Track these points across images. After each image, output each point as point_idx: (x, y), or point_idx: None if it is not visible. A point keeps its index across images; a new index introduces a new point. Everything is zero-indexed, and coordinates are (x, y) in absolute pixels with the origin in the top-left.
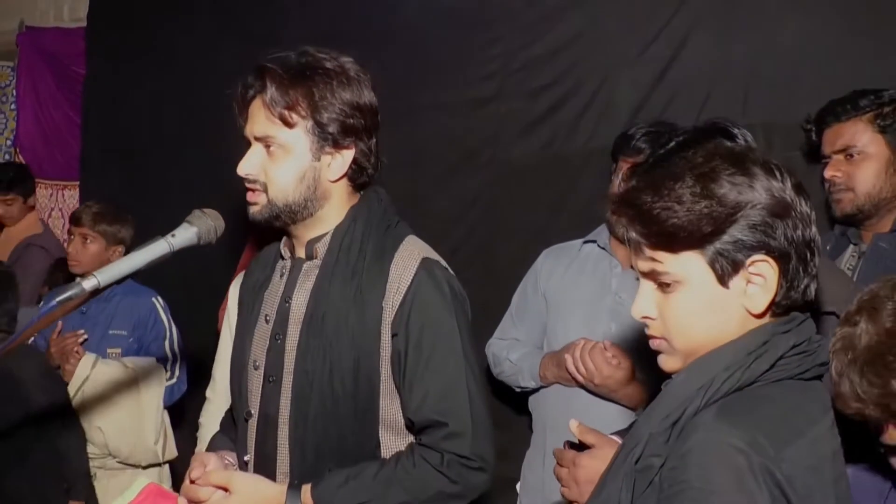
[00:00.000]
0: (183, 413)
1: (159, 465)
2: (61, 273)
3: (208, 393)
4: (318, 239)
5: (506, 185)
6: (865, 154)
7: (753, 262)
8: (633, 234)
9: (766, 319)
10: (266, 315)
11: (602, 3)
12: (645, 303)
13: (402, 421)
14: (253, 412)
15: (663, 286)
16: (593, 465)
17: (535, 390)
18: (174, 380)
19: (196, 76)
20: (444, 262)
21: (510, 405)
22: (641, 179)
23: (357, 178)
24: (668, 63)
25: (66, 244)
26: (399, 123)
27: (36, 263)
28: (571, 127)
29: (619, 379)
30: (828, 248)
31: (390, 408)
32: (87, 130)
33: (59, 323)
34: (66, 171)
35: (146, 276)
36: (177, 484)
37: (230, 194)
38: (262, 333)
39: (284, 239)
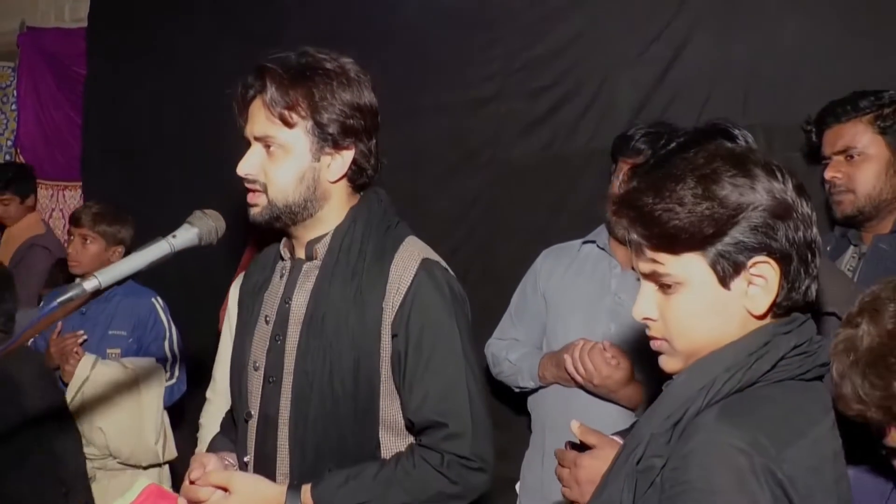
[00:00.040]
0: (182, 413)
1: (159, 465)
2: (61, 273)
3: (209, 394)
4: (318, 240)
5: (506, 185)
6: (866, 155)
7: (755, 263)
8: (635, 236)
9: (767, 320)
10: (266, 316)
11: (602, 4)
12: (646, 304)
13: (402, 422)
14: (253, 413)
15: (664, 287)
16: (594, 466)
17: (534, 390)
18: (174, 380)
19: (196, 76)
20: (444, 263)
21: (509, 405)
22: (642, 181)
23: (357, 178)
24: (668, 64)
25: (66, 245)
26: (399, 124)
27: (39, 264)
28: (572, 127)
29: (619, 379)
30: (828, 249)
31: (390, 408)
32: (88, 131)
33: (59, 323)
34: (67, 171)
35: (146, 277)
36: (177, 484)
37: (230, 194)
38: (262, 334)
39: (284, 240)
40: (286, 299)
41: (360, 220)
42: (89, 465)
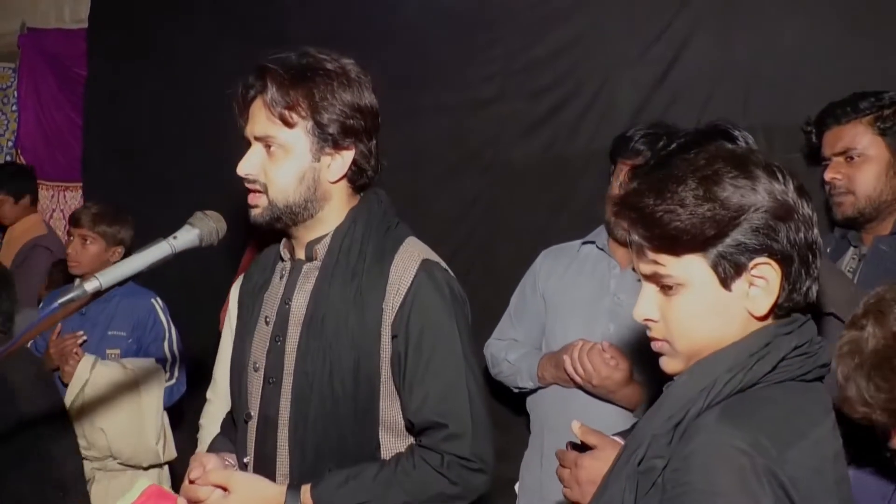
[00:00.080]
0: (182, 414)
1: (160, 466)
2: (60, 274)
3: (209, 394)
4: (318, 240)
5: (506, 186)
6: (866, 156)
7: (756, 264)
8: (636, 237)
9: (768, 321)
10: (266, 317)
11: (603, 5)
12: (647, 305)
13: (402, 422)
14: (253, 414)
15: (665, 289)
16: (595, 467)
17: (534, 391)
18: (173, 381)
19: (196, 76)
20: (444, 264)
21: (508, 406)
22: (643, 182)
23: (357, 179)
24: (668, 64)
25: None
26: (400, 124)
27: (41, 264)
28: (572, 128)
29: (618, 380)
30: (828, 250)
31: (390, 409)
32: (89, 131)
33: (59, 324)
34: (68, 172)
35: (147, 278)
36: (177, 484)
37: (231, 195)
38: (262, 335)
39: (284, 241)
40: (286, 300)
41: (360, 221)
42: (90, 465)
